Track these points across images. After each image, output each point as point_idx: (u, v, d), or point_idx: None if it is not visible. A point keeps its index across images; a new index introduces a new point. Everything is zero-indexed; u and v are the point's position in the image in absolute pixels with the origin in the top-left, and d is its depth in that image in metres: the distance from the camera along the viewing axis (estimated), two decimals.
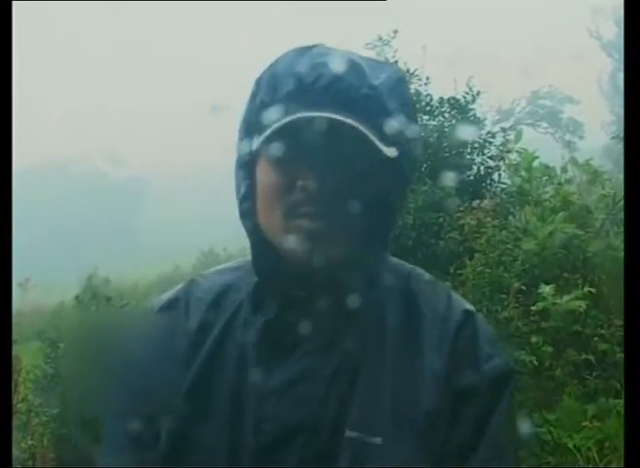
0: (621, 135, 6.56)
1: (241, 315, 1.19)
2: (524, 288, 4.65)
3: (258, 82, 1.15)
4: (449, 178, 4.96)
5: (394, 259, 1.26)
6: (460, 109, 5.85)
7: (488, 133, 5.89)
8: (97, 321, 5.39)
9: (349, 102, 1.06)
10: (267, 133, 1.06)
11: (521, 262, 4.82)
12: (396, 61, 5.50)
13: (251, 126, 1.13)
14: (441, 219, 5.28)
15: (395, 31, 5.89)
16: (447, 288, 1.25)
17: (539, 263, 4.87)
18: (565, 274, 4.82)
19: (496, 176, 5.71)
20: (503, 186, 5.65)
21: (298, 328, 1.13)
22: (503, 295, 4.63)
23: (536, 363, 4.29)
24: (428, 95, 5.86)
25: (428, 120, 5.76)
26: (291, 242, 1.08)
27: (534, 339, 4.35)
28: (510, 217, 5.42)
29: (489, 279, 4.70)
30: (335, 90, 1.07)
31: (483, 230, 4.97)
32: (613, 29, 24.20)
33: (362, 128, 1.04)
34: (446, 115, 5.85)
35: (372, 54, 5.61)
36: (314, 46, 1.14)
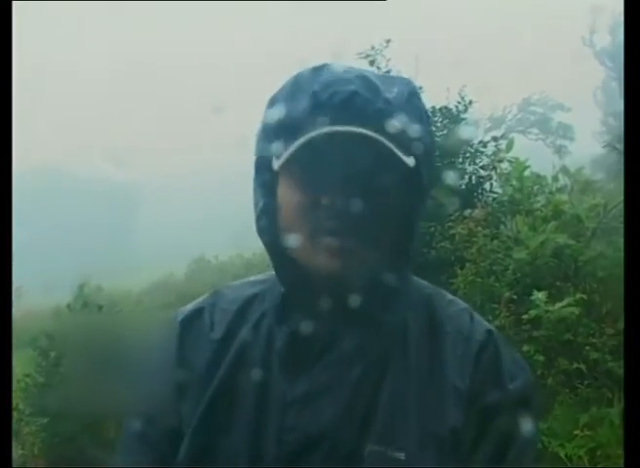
0: (613, 143, 6.60)
1: (265, 325, 1.20)
2: (515, 297, 4.67)
3: (272, 101, 1.16)
4: (442, 188, 4.97)
5: (416, 278, 1.27)
6: (453, 118, 5.87)
7: (480, 141, 5.91)
8: (89, 329, 5.39)
9: (365, 117, 1.07)
10: (288, 153, 1.06)
11: (512, 272, 4.84)
12: (389, 71, 5.52)
13: (268, 145, 1.13)
14: (432, 229, 5.30)
15: (388, 41, 5.91)
16: (469, 308, 1.26)
17: (530, 273, 4.88)
18: (557, 283, 4.83)
19: (487, 186, 5.73)
20: (495, 196, 5.66)
21: (322, 339, 1.14)
22: (495, 305, 4.65)
23: None
24: None
25: None
26: (317, 259, 1.09)
27: (525, 348, 4.37)
28: (502, 227, 5.43)
29: (480, 288, 4.72)
30: (350, 106, 1.08)
31: (474, 239, 4.99)
32: (606, 38, 24.33)
33: (382, 138, 1.05)
34: (438, 124, 5.87)
35: (364, 63, 5.62)
36: (326, 64, 1.15)
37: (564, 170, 5.95)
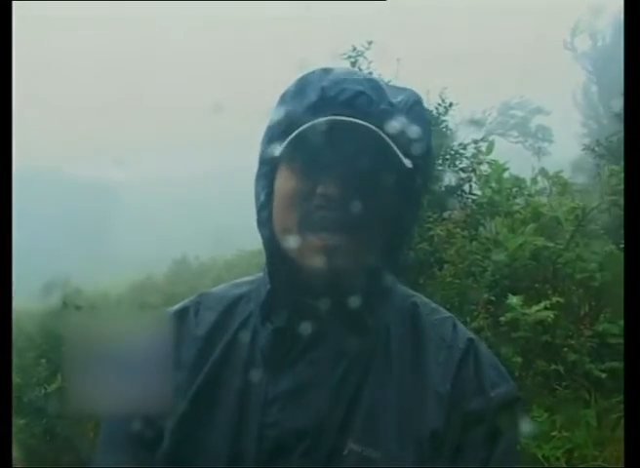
0: (592, 146, 6.64)
1: (250, 324, 1.22)
2: (493, 298, 4.69)
3: (283, 96, 1.19)
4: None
5: (400, 285, 1.29)
6: (433, 121, 5.88)
7: (460, 144, 5.92)
8: (68, 329, 5.34)
9: (369, 115, 1.10)
10: (290, 138, 1.09)
11: (491, 273, 4.86)
12: (370, 73, 5.52)
13: (273, 136, 1.16)
14: None
15: (370, 42, 5.90)
16: (452, 316, 1.27)
17: (509, 274, 4.91)
18: (535, 285, 4.86)
19: (466, 188, 5.73)
20: (474, 197, 5.68)
21: (306, 336, 1.15)
22: (473, 306, 4.66)
23: None
24: None
25: None
26: (306, 255, 1.11)
27: (503, 350, 4.38)
28: (481, 228, 5.45)
29: (458, 289, 4.73)
30: (355, 103, 1.11)
31: (453, 241, 5.00)
32: (587, 42, 24.50)
33: (383, 134, 1.08)
34: None
35: (346, 64, 5.61)
36: (337, 67, 1.19)
37: (543, 172, 6.00)
